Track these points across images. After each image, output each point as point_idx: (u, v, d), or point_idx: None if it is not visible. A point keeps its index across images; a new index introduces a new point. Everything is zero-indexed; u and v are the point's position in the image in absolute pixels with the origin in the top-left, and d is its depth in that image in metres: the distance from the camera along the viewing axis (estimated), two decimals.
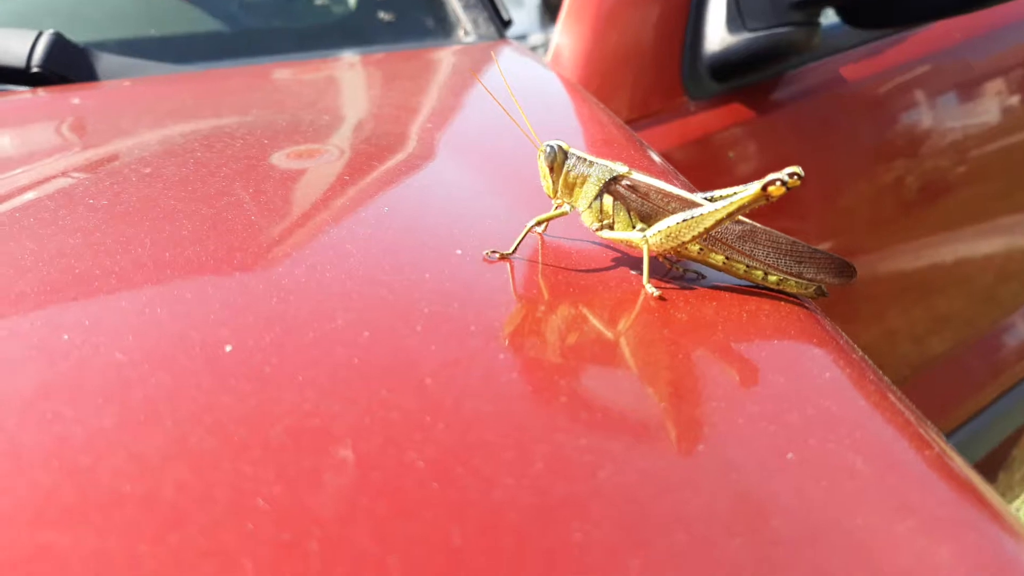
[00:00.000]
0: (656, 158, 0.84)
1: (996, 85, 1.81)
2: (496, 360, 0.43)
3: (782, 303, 0.54)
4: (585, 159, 0.57)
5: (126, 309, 0.45)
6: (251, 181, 0.67)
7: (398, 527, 0.30)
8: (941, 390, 1.65)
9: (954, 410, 1.65)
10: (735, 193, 0.54)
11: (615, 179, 0.57)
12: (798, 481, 0.37)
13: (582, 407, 0.40)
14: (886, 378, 0.47)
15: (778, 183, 0.51)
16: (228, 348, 0.40)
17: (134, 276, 0.48)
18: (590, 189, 0.57)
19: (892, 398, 0.44)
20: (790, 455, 0.38)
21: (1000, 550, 0.36)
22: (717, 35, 1.46)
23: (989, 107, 1.80)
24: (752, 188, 0.52)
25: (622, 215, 0.57)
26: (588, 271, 0.56)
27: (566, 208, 0.58)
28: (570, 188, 0.57)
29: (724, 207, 0.52)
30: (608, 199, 0.57)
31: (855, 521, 0.34)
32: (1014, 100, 1.82)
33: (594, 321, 0.50)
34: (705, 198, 0.57)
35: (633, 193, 0.57)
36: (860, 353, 0.49)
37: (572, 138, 0.60)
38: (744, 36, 1.43)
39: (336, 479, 0.32)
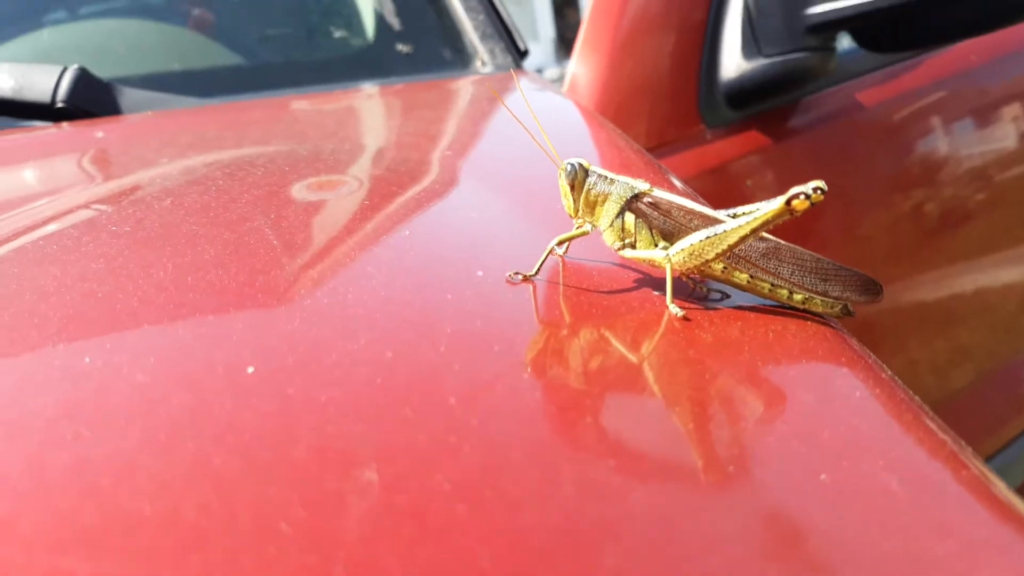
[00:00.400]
0: (676, 182, 0.83)
1: (1014, 110, 1.80)
2: (520, 380, 0.42)
3: (809, 323, 0.53)
4: (606, 177, 0.57)
5: (147, 332, 0.45)
6: (272, 207, 0.67)
7: (425, 550, 0.30)
8: (963, 424, 1.61)
9: (977, 445, 1.61)
10: (758, 209, 0.53)
11: (637, 196, 0.56)
12: (833, 503, 0.36)
13: (609, 428, 0.39)
14: (917, 398, 0.46)
15: (802, 196, 0.50)
16: (250, 370, 0.40)
17: (155, 299, 0.48)
18: (611, 207, 0.56)
19: (925, 418, 0.43)
20: (823, 476, 0.37)
21: None
22: (733, 62, 1.46)
23: (1008, 132, 1.79)
24: (776, 203, 0.51)
25: (644, 233, 0.56)
26: (611, 292, 0.55)
27: (587, 227, 0.58)
28: (591, 207, 0.57)
29: (748, 223, 0.52)
30: (630, 217, 0.56)
31: (893, 544, 0.33)
32: None
33: (618, 341, 0.49)
34: (728, 215, 0.56)
35: (655, 211, 0.56)
36: (889, 373, 0.48)
37: (591, 162, 0.59)
38: (760, 62, 1.43)
39: (361, 502, 0.31)
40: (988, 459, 1.62)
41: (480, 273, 0.56)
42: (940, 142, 1.70)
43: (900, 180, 1.65)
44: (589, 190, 0.57)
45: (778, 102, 1.46)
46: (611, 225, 0.57)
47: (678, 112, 1.44)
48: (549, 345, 0.48)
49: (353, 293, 0.50)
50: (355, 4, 1.71)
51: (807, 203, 0.51)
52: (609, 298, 0.55)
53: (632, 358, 0.48)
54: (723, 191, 1.37)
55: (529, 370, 0.44)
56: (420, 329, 0.46)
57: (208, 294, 0.49)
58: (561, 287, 0.56)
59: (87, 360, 0.41)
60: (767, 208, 0.52)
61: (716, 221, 0.55)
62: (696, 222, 0.56)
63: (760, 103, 1.44)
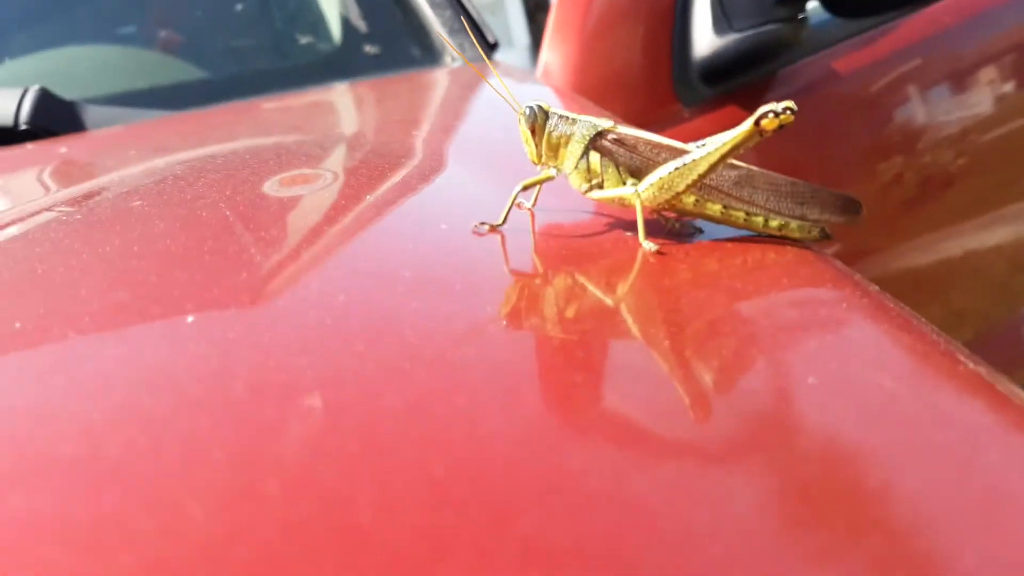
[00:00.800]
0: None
1: (990, 72, 1.78)
2: (482, 313, 0.40)
3: (788, 247, 0.51)
4: (568, 117, 0.54)
5: (83, 297, 0.42)
6: (228, 187, 0.64)
7: (372, 464, 0.27)
8: None
9: None
10: (727, 136, 0.50)
11: (600, 134, 0.54)
12: (821, 402, 0.33)
13: (577, 347, 0.37)
14: (907, 307, 0.44)
15: (771, 115, 0.48)
16: (189, 319, 0.37)
17: (95, 269, 0.45)
18: (575, 148, 0.54)
19: (915, 322, 0.41)
20: (811, 379, 0.34)
21: None
22: (704, 39, 1.44)
23: (986, 94, 1.77)
24: (744, 125, 0.49)
25: (611, 172, 0.54)
26: (582, 236, 0.53)
27: (551, 172, 0.55)
28: (554, 150, 0.54)
29: (717, 149, 0.49)
30: (595, 156, 0.54)
31: (889, 435, 0.31)
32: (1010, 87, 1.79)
33: (590, 280, 0.46)
34: (696, 147, 0.53)
35: (620, 147, 0.54)
36: (877, 288, 0.46)
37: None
38: (731, 37, 1.41)
39: (301, 425, 0.29)
40: None
41: (444, 227, 0.53)
42: (919, 108, 1.69)
43: (881, 148, 1.63)
44: (551, 132, 0.54)
45: (753, 76, 1.44)
46: (576, 167, 0.54)
47: (653, 93, 1.42)
48: (516, 284, 0.45)
49: (305, 249, 0.47)
50: (320, 10, 1.68)
51: (776, 122, 0.48)
52: (581, 241, 0.52)
53: (605, 294, 0.45)
54: None
55: (491, 306, 0.41)
56: (376, 275, 0.43)
57: (154, 261, 0.46)
58: (530, 234, 0.53)
59: (17, 326, 0.38)
60: (735, 132, 0.49)
61: (684, 152, 0.53)
62: (664, 155, 0.53)
63: (735, 78, 1.42)
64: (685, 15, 1.44)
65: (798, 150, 1.43)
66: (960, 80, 1.75)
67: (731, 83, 1.42)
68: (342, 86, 1.32)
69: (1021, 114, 1.78)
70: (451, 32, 1.52)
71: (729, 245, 0.51)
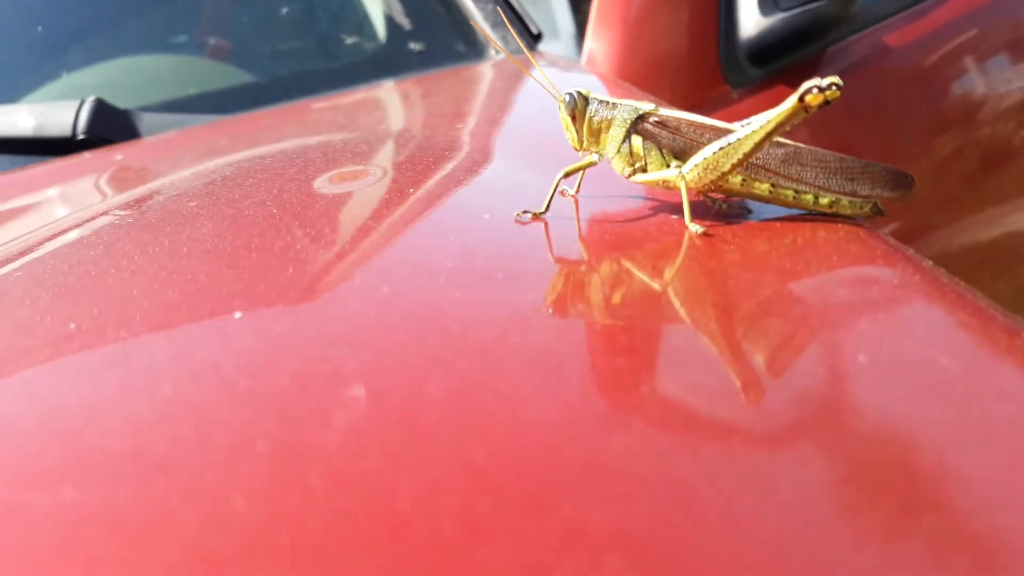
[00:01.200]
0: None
1: None
2: (524, 301, 0.39)
3: (839, 224, 0.49)
4: (608, 102, 0.54)
5: (134, 297, 0.43)
6: (275, 184, 0.65)
7: (414, 452, 0.27)
8: None
9: None
10: (771, 114, 0.49)
11: (642, 117, 0.53)
12: (874, 382, 0.32)
13: (621, 332, 0.36)
14: (962, 283, 0.42)
15: (815, 91, 0.46)
16: (236, 315, 0.38)
17: (146, 270, 0.46)
18: (617, 132, 0.53)
19: (972, 298, 0.39)
20: (861, 358, 0.33)
21: None
22: (751, 20, 1.42)
23: None
24: (788, 102, 0.47)
25: (654, 155, 0.53)
26: (627, 221, 0.52)
27: (594, 157, 0.55)
28: (596, 135, 0.54)
29: (761, 127, 0.48)
30: (637, 140, 0.53)
31: (944, 414, 0.30)
32: None
33: (635, 265, 0.46)
34: (741, 126, 0.52)
35: (663, 130, 0.53)
36: (931, 264, 0.44)
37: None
38: (778, 16, 1.39)
39: (344, 415, 0.29)
40: None
41: (487, 216, 0.53)
42: (977, 79, 1.64)
43: (940, 122, 1.58)
44: (591, 118, 0.54)
45: (802, 55, 1.42)
46: (619, 151, 0.54)
47: (701, 76, 1.41)
48: (558, 271, 0.45)
49: (348, 243, 0.48)
50: (365, 10, 1.70)
51: (821, 97, 0.47)
52: (625, 226, 0.52)
53: (651, 278, 0.45)
54: None
55: (533, 294, 0.41)
56: (419, 267, 0.44)
57: (201, 257, 0.47)
58: (574, 221, 0.53)
59: (72, 327, 0.39)
60: (780, 109, 0.48)
61: (728, 132, 0.52)
62: (708, 136, 0.52)
63: (784, 58, 1.40)
64: None
65: (854, 128, 1.40)
66: (1020, 49, 1.69)
67: (780, 63, 1.40)
68: (388, 84, 1.33)
69: None
70: (494, 25, 1.52)
71: (778, 225, 0.50)
